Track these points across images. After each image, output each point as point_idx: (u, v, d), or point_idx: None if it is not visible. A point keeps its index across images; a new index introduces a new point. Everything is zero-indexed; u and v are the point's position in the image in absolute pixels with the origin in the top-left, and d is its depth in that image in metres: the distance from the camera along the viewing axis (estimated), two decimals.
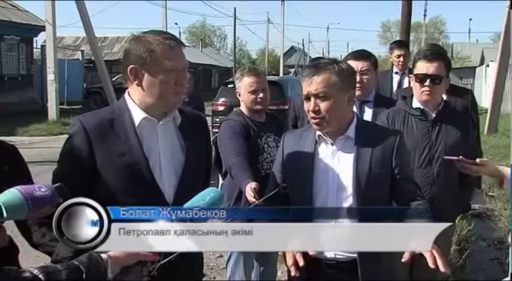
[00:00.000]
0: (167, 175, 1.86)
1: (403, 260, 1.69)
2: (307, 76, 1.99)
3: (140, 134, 1.84)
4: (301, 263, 1.79)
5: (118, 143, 1.82)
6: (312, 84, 1.97)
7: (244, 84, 2.99)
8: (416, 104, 2.74)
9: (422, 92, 2.67)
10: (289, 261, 1.82)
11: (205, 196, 1.62)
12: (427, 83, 2.64)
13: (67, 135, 1.89)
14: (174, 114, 1.91)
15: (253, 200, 2.34)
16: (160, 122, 1.88)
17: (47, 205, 1.43)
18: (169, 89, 1.81)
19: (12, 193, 1.38)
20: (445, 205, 2.55)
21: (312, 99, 1.98)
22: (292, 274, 1.82)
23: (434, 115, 2.70)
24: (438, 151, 2.65)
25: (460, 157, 2.43)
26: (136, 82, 1.83)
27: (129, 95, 1.89)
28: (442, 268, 1.64)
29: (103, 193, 1.76)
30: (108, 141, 1.81)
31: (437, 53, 2.71)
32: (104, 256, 1.42)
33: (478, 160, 2.38)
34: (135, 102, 1.86)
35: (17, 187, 1.40)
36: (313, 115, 1.99)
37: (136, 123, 1.85)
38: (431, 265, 1.65)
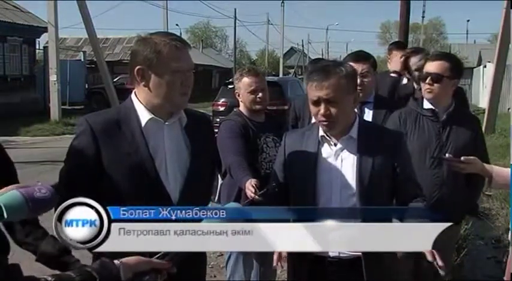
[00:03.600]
0: (173, 175, 1.87)
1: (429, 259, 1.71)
2: (317, 81, 1.98)
3: (146, 134, 1.85)
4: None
5: (124, 143, 1.83)
6: (323, 89, 1.96)
7: (243, 85, 2.99)
8: (427, 105, 2.78)
9: (424, 90, 2.75)
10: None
11: None
12: (427, 81, 2.72)
13: (69, 136, 1.92)
14: (180, 115, 1.92)
15: (253, 195, 2.34)
16: (167, 123, 1.89)
17: (46, 206, 1.44)
18: (176, 89, 1.83)
19: (13, 194, 1.40)
20: (453, 205, 2.57)
21: (323, 104, 1.98)
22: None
23: (444, 116, 2.74)
24: (448, 151, 2.66)
25: (447, 155, 2.48)
26: (143, 83, 1.84)
27: (136, 95, 1.90)
28: (440, 263, 1.69)
29: (109, 192, 1.77)
30: (114, 141, 1.83)
31: (440, 54, 2.80)
32: (116, 262, 1.42)
33: (463, 158, 2.41)
34: (141, 102, 1.88)
35: (18, 189, 1.42)
36: (323, 119, 1.99)
37: (143, 124, 1.86)
38: (429, 258, 1.69)
